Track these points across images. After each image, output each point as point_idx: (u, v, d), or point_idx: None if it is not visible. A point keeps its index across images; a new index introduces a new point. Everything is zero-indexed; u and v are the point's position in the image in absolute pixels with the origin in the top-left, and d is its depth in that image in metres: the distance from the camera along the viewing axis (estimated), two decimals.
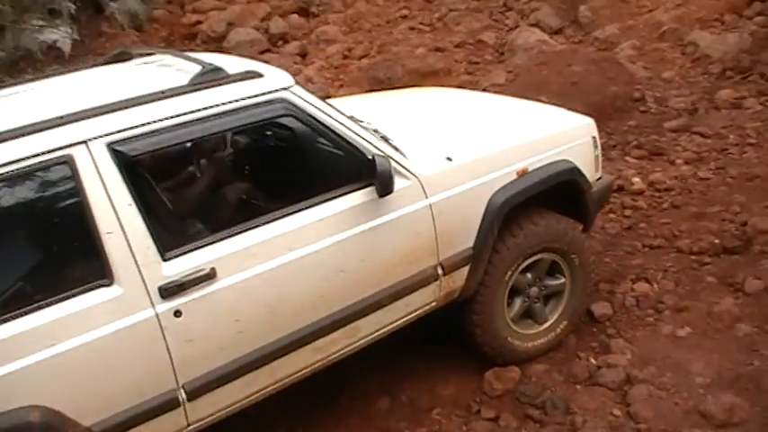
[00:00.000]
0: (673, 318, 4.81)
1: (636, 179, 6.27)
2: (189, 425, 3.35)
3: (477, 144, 4.19)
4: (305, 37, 10.25)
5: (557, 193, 4.34)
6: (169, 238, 3.32)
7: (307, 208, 3.51)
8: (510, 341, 4.40)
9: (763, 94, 7.29)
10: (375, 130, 3.91)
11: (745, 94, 7.32)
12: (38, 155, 2.95)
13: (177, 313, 3.18)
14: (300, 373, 3.66)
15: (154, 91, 3.27)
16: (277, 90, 3.51)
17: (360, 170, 3.60)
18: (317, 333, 3.59)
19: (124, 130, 3.12)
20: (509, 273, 4.24)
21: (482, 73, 8.65)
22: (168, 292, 3.15)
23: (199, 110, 3.29)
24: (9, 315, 2.89)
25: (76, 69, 4.12)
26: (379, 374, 4.42)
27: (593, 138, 4.60)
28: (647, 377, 4.33)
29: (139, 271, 3.11)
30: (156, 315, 3.14)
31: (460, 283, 4.07)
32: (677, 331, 4.68)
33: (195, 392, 3.28)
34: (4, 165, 2.90)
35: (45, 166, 2.98)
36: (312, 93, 3.71)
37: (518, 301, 4.44)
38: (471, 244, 4.02)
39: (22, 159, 2.93)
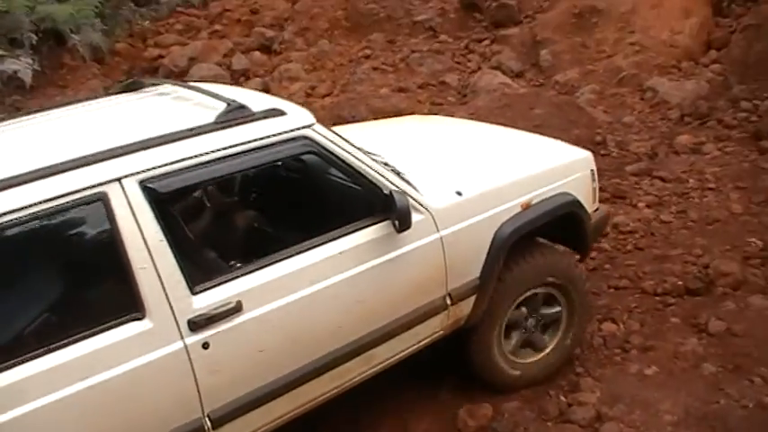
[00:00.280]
0: (639, 357, 4.90)
1: None
2: None
3: (484, 178, 4.31)
4: (267, 74, 10.26)
5: (555, 223, 4.47)
6: (197, 272, 3.37)
7: (326, 242, 3.62)
8: (507, 370, 4.53)
9: (720, 139, 7.48)
10: (386, 164, 3.99)
11: (703, 140, 7.50)
12: (73, 192, 3.02)
13: (205, 345, 3.26)
14: (318, 400, 3.76)
15: (183, 129, 3.35)
16: (300, 128, 3.61)
17: (376, 205, 3.74)
18: (335, 362, 3.69)
19: (156, 167, 3.20)
20: (506, 307, 4.37)
21: (445, 114, 8.75)
22: (197, 324, 3.24)
23: (226, 147, 3.37)
24: (44, 349, 2.94)
25: (92, 98, 4.19)
26: (353, 412, 4.41)
27: (592, 171, 4.75)
28: (616, 414, 4.40)
29: (170, 305, 3.19)
30: (186, 347, 3.22)
31: (467, 311, 4.19)
32: (644, 370, 4.77)
33: (220, 420, 3.37)
34: (41, 203, 2.95)
35: (80, 203, 3.05)
36: (331, 130, 3.82)
37: (515, 335, 4.56)
38: (478, 274, 4.14)
39: (58, 197, 2.98)
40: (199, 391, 3.28)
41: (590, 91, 8.72)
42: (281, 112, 3.62)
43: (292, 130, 3.58)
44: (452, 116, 8.42)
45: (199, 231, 4.15)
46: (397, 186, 3.79)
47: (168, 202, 3.48)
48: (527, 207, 4.28)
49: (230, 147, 3.38)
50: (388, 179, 3.80)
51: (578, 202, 4.53)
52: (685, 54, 8.97)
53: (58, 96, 9.72)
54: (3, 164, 3.05)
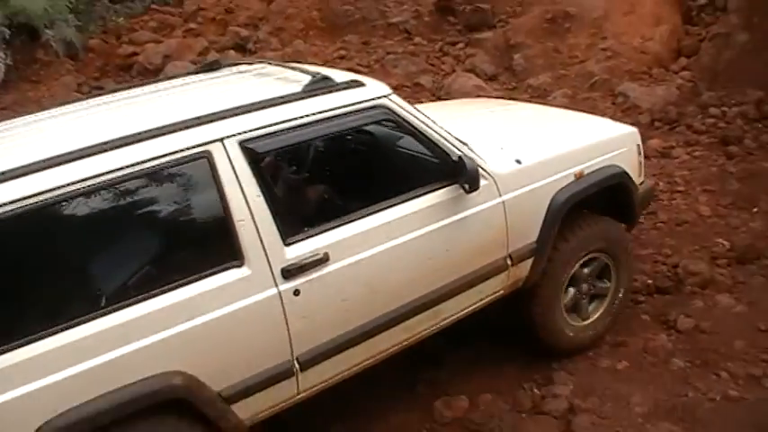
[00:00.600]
0: (611, 352, 5.02)
1: None
2: (298, 393, 3.75)
3: (540, 149, 4.64)
4: None
5: (605, 195, 4.80)
6: (289, 225, 3.66)
7: (401, 202, 3.96)
8: (563, 330, 4.81)
9: (689, 144, 7.62)
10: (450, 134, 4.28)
11: (673, 144, 7.63)
12: (182, 150, 3.38)
13: (296, 292, 3.59)
14: (390, 351, 4.09)
15: (276, 96, 3.74)
16: (378, 97, 3.99)
17: (445, 169, 4.08)
18: (407, 314, 4.02)
19: (253, 130, 3.56)
20: (569, 266, 4.70)
21: None
22: (290, 273, 3.56)
23: (314, 114, 3.74)
24: (154, 292, 3.28)
25: (177, 77, 4.66)
26: (331, 404, 4.44)
27: (638, 145, 5.08)
28: (589, 407, 4.52)
29: (266, 254, 3.52)
30: (279, 293, 3.55)
31: (525, 273, 4.51)
32: (616, 365, 4.90)
33: (307, 364, 3.68)
34: (151, 159, 3.31)
35: (187, 160, 3.41)
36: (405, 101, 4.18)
37: (571, 291, 4.85)
38: (535, 238, 4.46)
39: (168, 154, 3.35)
40: (290, 336, 3.60)
41: (562, 95, 8.82)
42: (360, 84, 4.00)
43: (372, 99, 3.95)
44: None
45: (289, 189, 4.48)
46: (464, 153, 4.09)
47: (263, 161, 3.82)
48: (580, 177, 4.60)
49: (317, 113, 3.75)
50: (455, 146, 4.11)
51: (627, 173, 4.85)
52: (656, 60, 9.08)
53: (30, 92, 9.69)
54: (119, 127, 3.41)
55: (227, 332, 3.44)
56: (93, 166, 3.20)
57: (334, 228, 3.75)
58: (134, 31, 11.09)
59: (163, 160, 3.33)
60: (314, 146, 4.69)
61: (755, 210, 6.61)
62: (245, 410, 3.58)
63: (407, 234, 3.93)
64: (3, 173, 3.07)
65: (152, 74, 10.08)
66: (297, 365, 3.65)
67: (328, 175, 4.68)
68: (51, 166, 3.14)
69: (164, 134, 3.37)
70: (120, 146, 3.27)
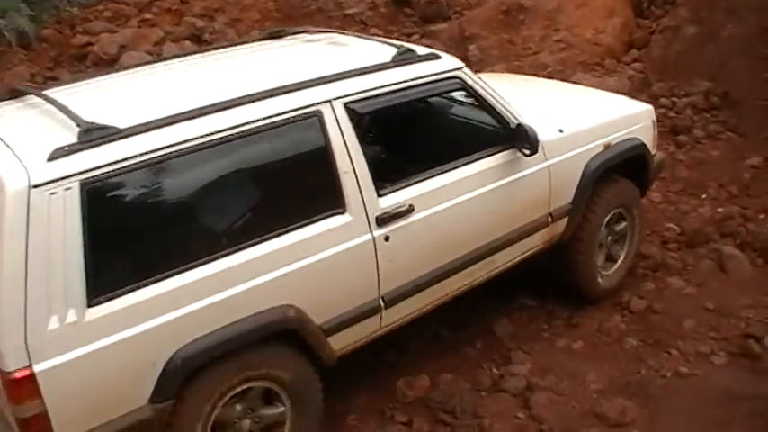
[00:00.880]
0: (567, 332, 5.19)
1: None
2: (380, 328, 4.23)
3: (576, 120, 5.16)
4: None
5: (624, 164, 5.33)
6: (381, 179, 4.08)
7: (469, 163, 4.44)
8: (596, 278, 5.37)
9: None
10: None
11: None
12: (297, 109, 3.79)
13: (387, 238, 4.04)
14: (452, 294, 4.58)
15: (371, 64, 4.18)
16: (454, 69, 4.47)
17: (504, 135, 4.59)
18: (469, 261, 4.52)
19: (356, 93, 3.99)
20: (601, 223, 5.27)
21: None
22: (382, 221, 4.02)
23: (404, 81, 4.20)
24: (271, 235, 3.68)
25: (247, 42, 5.08)
26: None
27: (653, 121, 5.65)
28: (546, 384, 4.67)
29: (364, 203, 3.96)
30: (373, 239, 4.00)
31: (561, 230, 5.06)
32: (572, 344, 5.07)
33: (390, 302, 4.15)
34: (270, 117, 3.70)
35: (301, 118, 3.81)
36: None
37: (601, 250, 5.43)
38: (571, 200, 5.00)
39: (285, 112, 3.75)
40: (378, 277, 4.06)
41: None
42: (438, 56, 4.47)
43: (449, 71, 4.42)
44: None
45: (381, 147, 5.02)
46: (521, 122, 4.56)
47: (362, 121, 4.16)
48: (608, 147, 5.15)
49: (406, 81, 4.21)
50: (514, 114, 4.61)
51: (645, 145, 5.44)
52: (608, 52, 9.23)
53: None
54: (227, 88, 3.79)
55: (330, 272, 3.87)
56: (222, 121, 3.58)
57: (417, 182, 4.20)
58: (88, 21, 10.96)
59: (280, 117, 3.72)
60: (401, 110, 4.96)
61: (704, 196, 6.87)
62: (337, 343, 4.01)
63: (474, 191, 4.41)
64: (151, 121, 3.42)
65: (107, 64, 9.97)
66: (382, 303, 4.11)
67: (411, 137, 5.26)
68: (191, 118, 3.51)
69: (280, 94, 3.78)
70: (243, 103, 3.67)
